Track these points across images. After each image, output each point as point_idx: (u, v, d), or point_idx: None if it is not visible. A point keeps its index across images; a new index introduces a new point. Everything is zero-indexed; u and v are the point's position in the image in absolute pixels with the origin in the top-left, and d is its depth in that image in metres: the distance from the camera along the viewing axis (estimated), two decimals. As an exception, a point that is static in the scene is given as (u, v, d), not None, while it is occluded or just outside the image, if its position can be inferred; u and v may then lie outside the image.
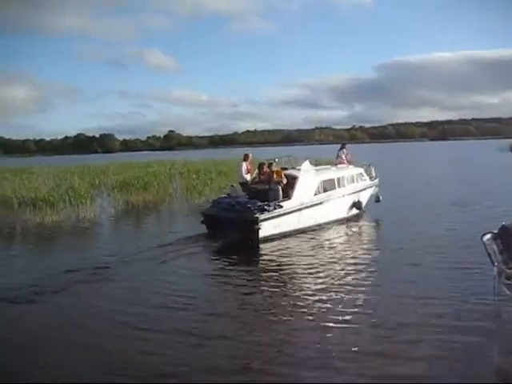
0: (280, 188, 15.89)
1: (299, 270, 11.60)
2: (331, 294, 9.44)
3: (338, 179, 18.06)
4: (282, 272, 11.59)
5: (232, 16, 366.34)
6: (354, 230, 16.98)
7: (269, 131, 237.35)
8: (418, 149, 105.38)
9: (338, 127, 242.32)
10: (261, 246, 14.26)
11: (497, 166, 45.40)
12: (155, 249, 13.87)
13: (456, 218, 17.31)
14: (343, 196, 18.08)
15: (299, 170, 17.12)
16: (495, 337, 7.27)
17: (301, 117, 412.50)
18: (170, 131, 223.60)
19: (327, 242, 14.72)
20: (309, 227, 16.25)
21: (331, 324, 7.89)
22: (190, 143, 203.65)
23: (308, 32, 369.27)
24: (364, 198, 19.52)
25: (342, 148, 21.45)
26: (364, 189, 19.64)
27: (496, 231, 6.22)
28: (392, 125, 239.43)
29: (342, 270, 11.22)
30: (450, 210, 19.20)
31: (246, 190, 16.74)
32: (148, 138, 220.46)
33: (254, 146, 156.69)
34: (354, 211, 18.76)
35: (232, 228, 14.72)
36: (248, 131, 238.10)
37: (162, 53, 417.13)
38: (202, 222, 16.10)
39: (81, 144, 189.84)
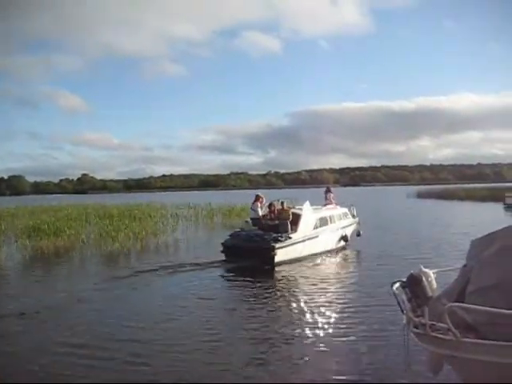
0: (288, 223, 19.34)
1: (307, 286, 15.00)
2: (329, 304, 12.26)
3: (330, 217, 21.90)
4: (294, 286, 15.19)
5: (143, 59, 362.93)
6: (342, 257, 20.51)
7: (185, 176, 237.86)
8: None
9: (253, 172, 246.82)
10: (276, 268, 17.85)
11: (406, 212, 47.50)
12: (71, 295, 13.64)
13: (374, 267, 17.60)
14: (334, 230, 21.87)
15: (301, 209, 20.68)
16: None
17: (217, 162, 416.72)
18: (84, 174, 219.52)
19: (323, 266, 18.74)
20: (309, 255, 19.72)
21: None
22: (105, 187, 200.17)
23: (220, 78, 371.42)
24: (349, 232, 23.34)
25: (328, 191, 24.95)
26: (349, 225, 23.63)
27: (405, 280, 6.42)
28: (306, 171, 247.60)
29: (336, 288, 14.39)
30: (367, 260, 19.53)
31: (258, 224, 20.17)
32: (61, 180, 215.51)
33: (171, 191, 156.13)
34: (342, 243, 22.48)
35: (252, 255, 18.09)
36: (164, 175, 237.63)
37: (73, 94, 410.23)
38: (222, 252, 19.29)
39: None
